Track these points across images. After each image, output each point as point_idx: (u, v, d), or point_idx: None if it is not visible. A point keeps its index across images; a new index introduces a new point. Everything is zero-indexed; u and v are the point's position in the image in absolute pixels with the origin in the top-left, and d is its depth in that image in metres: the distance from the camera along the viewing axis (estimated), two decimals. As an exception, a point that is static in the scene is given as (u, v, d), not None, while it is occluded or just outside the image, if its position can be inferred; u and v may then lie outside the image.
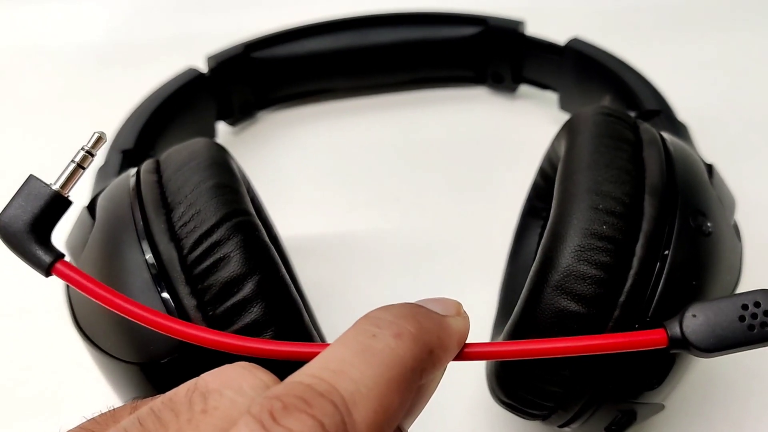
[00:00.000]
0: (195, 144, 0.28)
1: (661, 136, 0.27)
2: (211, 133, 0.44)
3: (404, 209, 0.41)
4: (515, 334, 0.25)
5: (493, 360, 0.26)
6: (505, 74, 0.46)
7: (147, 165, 0.27)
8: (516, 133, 0.45)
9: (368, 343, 0.18)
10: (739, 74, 0.49)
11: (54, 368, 0.34)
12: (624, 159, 0.26)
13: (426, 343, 0.19)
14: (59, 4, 0.62)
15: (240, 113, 0.45)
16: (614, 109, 0.28)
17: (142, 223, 0.24)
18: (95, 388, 0.31)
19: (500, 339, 0.26)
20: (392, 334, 0.19)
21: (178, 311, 0.23)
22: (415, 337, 0.19)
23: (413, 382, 0.18)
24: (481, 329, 0.32)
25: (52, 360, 0.34)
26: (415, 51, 0.45)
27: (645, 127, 0.28)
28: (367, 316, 0.19)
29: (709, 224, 0.25)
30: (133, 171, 0.28)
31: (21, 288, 0.37)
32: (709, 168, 0.28)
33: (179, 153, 0.27)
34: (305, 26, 0.45)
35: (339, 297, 0.36)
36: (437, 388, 0.21)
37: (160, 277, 0.23)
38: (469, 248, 0.38)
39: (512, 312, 0.26)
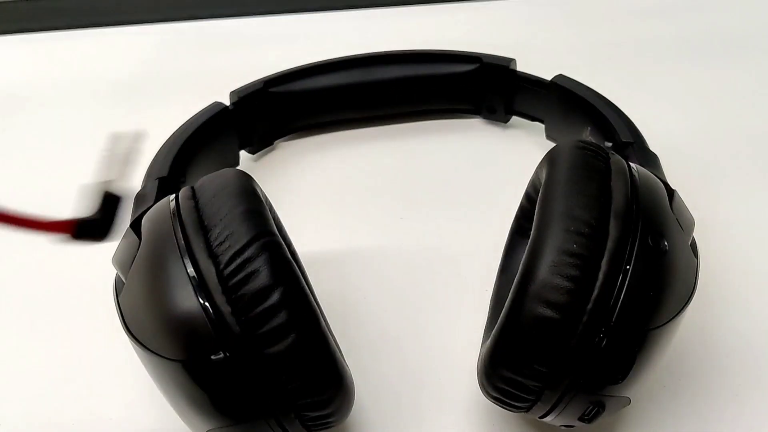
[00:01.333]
0: (226, 174, 0.31)
1: (629, 166, 0.31)
2: (235, 160, 0.48)
3: (407, 228, 0.44)
4: (501, 336, 0.28)
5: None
6: (498, 107, 0.49)
7: (184, 192, 0.31)
8: (507, 160, 0.48)
9: None
10: (714, 105, 0.53)
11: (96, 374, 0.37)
12: (594, 187, 0.29)
13: None
14: (88, 40, 0.66)
15: (259, 142, 0.49)
16: (589, 143, 0.32)
17: (183, 242, 0.28)
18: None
19: (489, 341, 0.30)
20: None
21: (216, 317, 0.26)
22: None
23: None
24: (474, 333, 0.35)
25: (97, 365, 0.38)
26: (417, 86, 0.49)
27: (615, 158, 0.31)
28: None
29: (666, 243, 0.28)
30: (171, 197, 0.31)
31: (66, 294, 0.41)
32: (671, 193, 0.31)
33: (212, 181, 0.31)
34: (318, 64, 0.49)
35: (349, 306, 0.39)
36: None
37: (201, 288, 0.27)
38: (465, 262, 0.41)
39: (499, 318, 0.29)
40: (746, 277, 0.39)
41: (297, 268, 0.28)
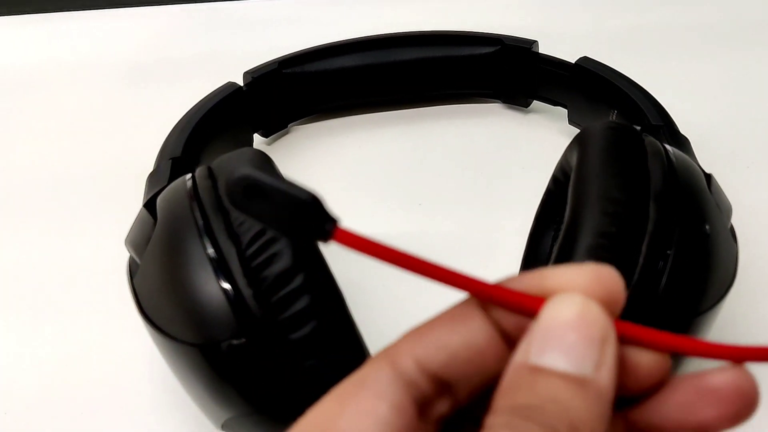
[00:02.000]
0: (243, 153, 0.30)
1: (664, 147, 0.30)
2: (248, 143, 0.46)
3: (426, 214, 0.43)
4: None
5: None
6: (519, 90, 0.48)
7: (201, 171, 0.30)
8: (528, 145, 0.47)
9: None
10: (738, 91, 0.52)
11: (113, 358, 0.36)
12: (630, 169, 0.28)
13: None
14: (99, 21, 0.65)
15: (273, 125, 0.48)
16: (622, 124, 0.31)
17: (202, 222, 0.27)
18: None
19: None
20: None
21: (237, 299, 0.25)
22: None
23: None
24: None
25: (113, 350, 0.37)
26: (436, 68, 0.48)
27: (650, 140, 0.30)
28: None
29: (707, 227, 0.27)
30: (188, 176, 0.30)
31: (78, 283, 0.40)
32: (708, 177, 0.30)
33: (230, 160, 0.30)
34: (334, 44, 0.47)
35: (367, 293, 0.38)
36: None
37: (221, 269, 0.26)
38: (487, 249, 0.40)
39: None
40: None
41: (321, 252, 0.27)
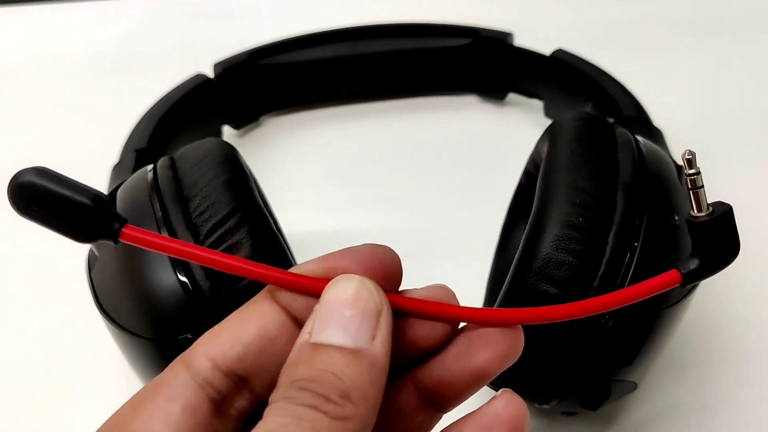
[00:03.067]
0: (207, 143, 0.30)
1: (635, 138, 0.30)
2: (217, 135, 0.46)
3: (399, 208, 0.43)
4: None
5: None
6: (494, 83, 0.48)
7: (163, 162, 0.29)
8: (504, 138, 0.47)
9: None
10: (715, 85, 0.52)
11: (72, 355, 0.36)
12: (600, 159, 0.28)
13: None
14: (73, 12, 0.64)
15: (244, 117, 0.47)
16: (593, 115, 0.31)
17: (161, 213, 0.26)
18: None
19: None
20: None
21: (195, 292, 0.25)
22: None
23: None
24: None
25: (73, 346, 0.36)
26: (410, 60, 0.48)
27: (621, 131, 0.30)
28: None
29: (676, 218, 0.27)
30: (150, 167, 0.30)
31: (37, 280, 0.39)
32: (679, 169, 0.30)
33: (193, 151, 0.29)
34: (307, 35, 0.47)
35: None
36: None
37: (178, 261, 0.25)
38: (460, 243, 0.40)
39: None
40: (752, 263, 0.38)
41: (284, 242, 0.27)
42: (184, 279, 0.25)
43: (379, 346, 0.18)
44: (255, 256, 0.25)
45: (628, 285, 0.25)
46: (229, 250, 0.25)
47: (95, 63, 0.58)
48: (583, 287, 0.25)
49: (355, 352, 0.17)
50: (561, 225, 0.26)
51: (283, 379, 0.17)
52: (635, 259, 0.25)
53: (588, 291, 0.25)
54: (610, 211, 0.26)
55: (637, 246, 0.26)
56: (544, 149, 0.31)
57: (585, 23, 0.58)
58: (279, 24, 0.53)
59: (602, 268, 0.25)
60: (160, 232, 0.26)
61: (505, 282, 0.27)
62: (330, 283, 0.19)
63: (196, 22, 0.62)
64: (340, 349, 0.17)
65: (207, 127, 0.45)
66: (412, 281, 0.38)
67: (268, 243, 0.26)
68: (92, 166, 0.45)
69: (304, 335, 0.18)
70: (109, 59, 0.58)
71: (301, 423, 0.16)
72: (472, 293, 0.35)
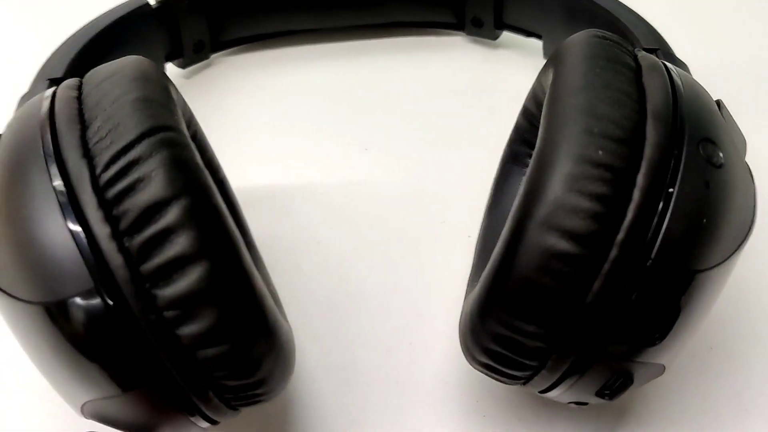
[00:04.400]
0: (125, 59, 0.24)
1: (663, 63, 0.24)
2: (159, 74, 0.40)
3: (374, 161, 0.38)
4: (495, 279, 0.21)
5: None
6: (485, 19, 0.42)
7: (68, 82, 0.24)
8: (497, 85, 0.42)
9: None
10: (741, 25, 0.47)
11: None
12: (623, 81, 0.22)
13: None
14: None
15: (192, 53, 0.42)
16: (610, 35, 0.25)
17: (51, 140, 0.21)
18: None
19: (477, 289, 0.23)
20: None
21: (89, 241, 0.19)
22: None
23: None
24: (457, 287, 0.29)
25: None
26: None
27: (644, 54, 0.25)
28: None
29: (720, 154, 0.21)
30: (51, 89, 0.24)
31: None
32: (718, 102, 0.25)
33: (105, 68, 0.24)
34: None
35: (297, 254, 0.33)
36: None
37: (69, 201, 0.20)
38: (444, 202, 0.35)
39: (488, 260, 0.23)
40: None
41: (209, 176, 0.21)
42: (74, 224, 0.19)
43: None
44: (170, 196, 0.19)
45: (662, 239, 0.20)
46: (133, 186, 0.19)
47: None
48: (605, 241, 0.20)
49: None
50: (575, 159, 0.20)
51: None
52: (670, 207, 0.20)
53: (610, 246, 0.20)
54: (638, 144, 0.21)
55: (672, 192, 0.20)
56: (549, 78, 0.25)
57: None
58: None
59: (629, 216, 0.20)
60: (47, 164, 0.20)
61: (501, 236, 0.22)
62: None
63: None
64: None
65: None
66: (388, 244, 0.33)
67: (187, 177, 0.20)
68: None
69: None
70: None
71: None
72: (460, 255, 0.31)
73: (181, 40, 0.41)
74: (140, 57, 0.24)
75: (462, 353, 0.24)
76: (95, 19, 0.36)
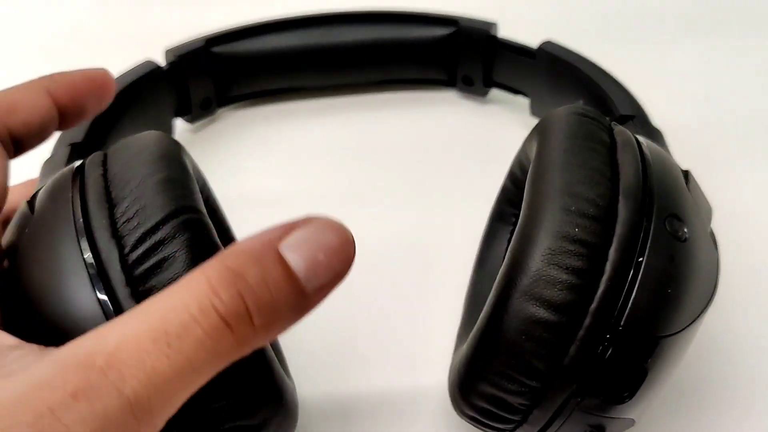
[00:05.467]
0: (146, 136, 0.26)
1: (636, 138, 0.27)
2: (167, 129, 0.42)
3: (369, 213, 0.39)
4: (481, 341, 0.24)
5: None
6: (475, 77, 0.45)
7: (93, 157, 0.25)
8: (485, 138, 0.44)
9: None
10: (715, 82, 0.49)
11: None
12: (598, 160, 0.25)
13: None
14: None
15: (199, 110, 0.44)
16: (588, 110, 0.28)
17: (81, 218, 0.23)
18: None
19: (465, 347, 0.25)
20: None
21: (116, 313, 0.21)
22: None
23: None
24: (444, 338, 0.30)
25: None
26: (385, 51, 0.44)
27: (620, 129, 0.27)
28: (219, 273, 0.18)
29: (685, 229, 0.24)
30: (77, 163, 0.26)
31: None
32: (686, 174, 0.27)
33: (128, 145, 0.26)
34: (270, 21, 0.44)
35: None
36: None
37: (99, 277, 0.21)
38: (435, 254, 0.37)
39: (477, 320, 0.25)
40: (758, 276, 0.35)
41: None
42: (104, 297, 0.21)
43: (315, 303, 0.19)
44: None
45: (631, 308, 0.22)
46: (159, 265, 0.22)
47: (33, 47, 0.54)
48: (580, 310, 0.22)
49: (302, 295, 0.19)
50: (554, 236, 0.23)
51: (230, 253, 0.19)
52: (638, 279, 0.22)
53: (585, 314, 0.22)
54: (610, 221, 0.23)
55: (641, 262, 0.22)
56: (533, 149, 0.28)
57: (573, 13, 0.55)
58: (237, 7, 0.49)
59: (601, 287, 0.22)
60: (79, 243, 0.22)
61: (487, 302, 0.24)
62: (327, 219, 0.20)
63: (148, 5, 0.58)
64: (295, 282, 0.18)
65: (156, 120, 0.41)
66: (380, 289, 0.34)
67: (208, 257, 0.22)
68: (27, 161, 0.41)
69: (275, 233, 0.19)
70: (48, 44, 0.54)
71: (206, 316, 0.18)
72: (449, 306, 0.32)
73: (189, 98, 0.43)
74: (161, 134, 0.26)
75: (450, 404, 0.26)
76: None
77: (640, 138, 0.27)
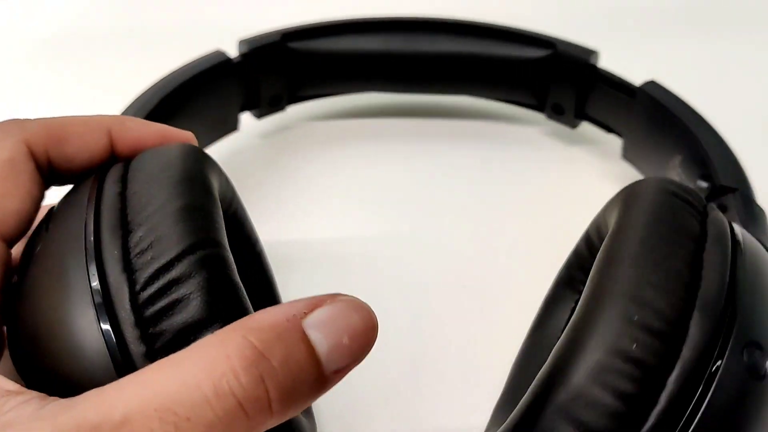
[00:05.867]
0: (172, 150, 0.24)
1: (732, 231, 0.23)
2: (233, 122, 0.40)
3: (421, 244, 0.37)
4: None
5: None
6: (567, 107, 0.41)
7: (115, 171, 0.24)
8: (567, 184, 0.40)
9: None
10: (722, 79, 0.47)
11: None
12: (679, 259, 0.21)
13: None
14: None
15: (269, 105, 0.42)
16: (684, 188, 0.24)
17: (93, 247, 0.21)
18: None
19: None
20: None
21: (123, 358, 0.19)
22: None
23: None
24: (486, 400, 0.28)
25: None
26: (471, 66, 0.41)
27: (715, 215, 0.23)
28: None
29: (766, 364, 0.20)
30: (96, 179, 0.24)
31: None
32: None
33: (151, 160, 0.24)
34: (351, 21, 0.41)
35: None
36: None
37: (108, 314, 0.20)
38: (492, 302, 0.34)
39: (519, 397, 0.22)
40: None
41: (246, 297, 0.21)
42: (113, 346, 0.20)
43: (332, 385, 0.18)
44: (206, 319, 0.19)
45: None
46: (172, 308, 0.20)
47: (85, 42, 0.52)
48: (619, 442, 0.19)
49: (321, 378, 0.18)
50: (606, 349, 0.20)
51: (254, 325, 0.18)
52: (699, 415, 0.19)
53: (624, 449, 0.19)
54: (677, 341, 0.20)
55: (705, 398, 0.19)
56: (613, 218, 0.24)
57: (579, 8, 0.53)
58: (314, 5, 0.47)
59: (650, 421, 0.19)
60: (88, 273, 0.21)
61: (520, 403, 0.21)
62: (354, 299, 0.19)
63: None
64: (317, 364, 0.18)
65: (222, 113, 0.40)
66: (419, 331, 0.32)
67: (226, 300, 0.20)
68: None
69: (300, 306, 0.18)
70: (102, 38, 0.52)
71: (220, 399, 0.17)
72: (495, 365, 0.30)
73: (259, 93, 0.41)
74: (188, 148, 0.24)
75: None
76: (174, 72, 0.37)
77: (738, 230, 0.23)
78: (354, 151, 0.42)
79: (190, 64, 0.37)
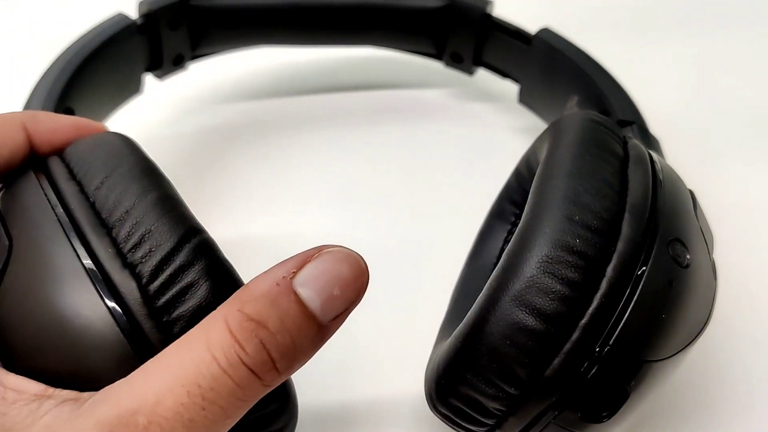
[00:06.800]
0: (111, 143, 0.25)
1: (650, 155, 0.27)
2: (137, 84, 0.40)
3: (356, 211, 0.39)
4: (465, 340, 0.24)
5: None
6: (465, 55, 0.44)
7: (56, 168, 0.24)
8: (476, 135, 0.44)
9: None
10: (705, 76, 0.50)
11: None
12: (608, 172, 0.25)
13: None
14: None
15: (171, 65, 0.42)
16: (605, 119, 0.28)
17: (83, 247, 0.22)
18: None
19: (447, 344, 0.25)
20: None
21: (143, 347, 0.21)
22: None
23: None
24: (430, 329, 0.30)
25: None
26: (372, 16, 0.43)
27: (634, 143, 0.27)
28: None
29: (687, 256, 0.24)
30: (36, 174, 0.24)
31: None
32: (693, 196, 0.27)
33: (94, 155, 0.24)
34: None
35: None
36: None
37: (123, 312, 0.21)
38: (426, 249, 0.37)
39: (463, 316, 0.25)
40: (749, 268, 0.36)
41: (237, 273, 0.23)
42: (113, 305, 0.21)
43: (333, 330, 0.20)
44: (214, 300, 0.21)
45: (622, 328, 0.22)
46: (182, 295, 0.21)
47: None
48: (569, 323, 0.22)
49: (320, 329, 0.20)
50: (553, 244, 0.23)
51: (248, 297, 0.19)
52: (633, 300, 0.22)
53: (573, 328, 0.22)
54: (613, 237, 0.23)
55: (639, 283, 0.22)
56: (543, 150, 0.28)
57: (566, 5, 0.55)
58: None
59: (594, 303, 0.22)
60: (90, 275, 0.21)
61: (476, 301, 0.24)
62: (340, 249, 0.20)
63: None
64: (312, 319, 0.20)
65: (125, 76, 0.39)
66: (376, 290, 0.34)
67: (226, 281, 0.22)
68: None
69: (288, 267, 0.20)
70: None
71: (235, 369, 0.19)
72: (436, 301, 0.32)
73: (161, 53, 0.41)
74: (122, 138, 0.25)
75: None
76: (78, 41, 0.36)
77: (654, 155, 0.27)
78: (274, 135, 0.44)
79: (93, 28, 0.37)
